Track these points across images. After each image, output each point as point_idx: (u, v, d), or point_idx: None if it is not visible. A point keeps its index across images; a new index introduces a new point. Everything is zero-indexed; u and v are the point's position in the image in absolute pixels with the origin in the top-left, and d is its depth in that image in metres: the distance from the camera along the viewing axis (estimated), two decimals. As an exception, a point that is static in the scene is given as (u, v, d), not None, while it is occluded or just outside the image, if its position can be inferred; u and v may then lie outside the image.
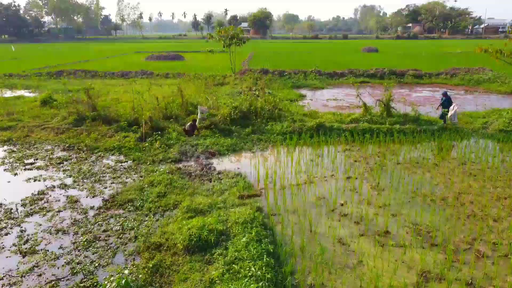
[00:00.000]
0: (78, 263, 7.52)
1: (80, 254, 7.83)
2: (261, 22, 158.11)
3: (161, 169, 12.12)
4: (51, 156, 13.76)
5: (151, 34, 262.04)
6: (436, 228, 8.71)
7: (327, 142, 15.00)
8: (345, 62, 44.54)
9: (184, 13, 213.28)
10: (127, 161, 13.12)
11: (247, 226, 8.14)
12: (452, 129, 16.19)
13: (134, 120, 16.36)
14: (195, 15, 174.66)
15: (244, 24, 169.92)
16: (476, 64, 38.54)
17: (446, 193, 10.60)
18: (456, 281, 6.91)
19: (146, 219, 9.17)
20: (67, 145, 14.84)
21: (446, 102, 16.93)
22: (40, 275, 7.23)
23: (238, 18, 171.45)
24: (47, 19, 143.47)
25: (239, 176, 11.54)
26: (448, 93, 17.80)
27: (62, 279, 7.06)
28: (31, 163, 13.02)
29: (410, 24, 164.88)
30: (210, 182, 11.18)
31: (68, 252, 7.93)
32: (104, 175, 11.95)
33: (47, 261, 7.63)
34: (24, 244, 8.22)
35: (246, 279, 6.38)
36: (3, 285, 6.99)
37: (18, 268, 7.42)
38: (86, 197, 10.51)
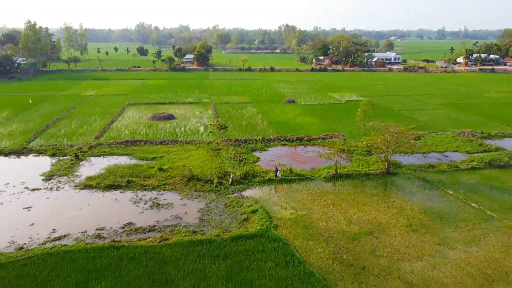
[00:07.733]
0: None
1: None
2: (203, 55, 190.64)
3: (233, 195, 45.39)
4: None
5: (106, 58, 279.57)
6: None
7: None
8: (275, 122, 79.61)
9: (127, 48, 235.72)
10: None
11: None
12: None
13: (211, 177, 48.97)
14: (142, 47, 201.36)
15: (189, 56, 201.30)
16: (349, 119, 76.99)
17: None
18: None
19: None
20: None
21: (276, 171, 51.12)
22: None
23: (182, 50, 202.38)
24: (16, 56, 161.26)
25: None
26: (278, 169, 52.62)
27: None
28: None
29: (322, 57, 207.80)
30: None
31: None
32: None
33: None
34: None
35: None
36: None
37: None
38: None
